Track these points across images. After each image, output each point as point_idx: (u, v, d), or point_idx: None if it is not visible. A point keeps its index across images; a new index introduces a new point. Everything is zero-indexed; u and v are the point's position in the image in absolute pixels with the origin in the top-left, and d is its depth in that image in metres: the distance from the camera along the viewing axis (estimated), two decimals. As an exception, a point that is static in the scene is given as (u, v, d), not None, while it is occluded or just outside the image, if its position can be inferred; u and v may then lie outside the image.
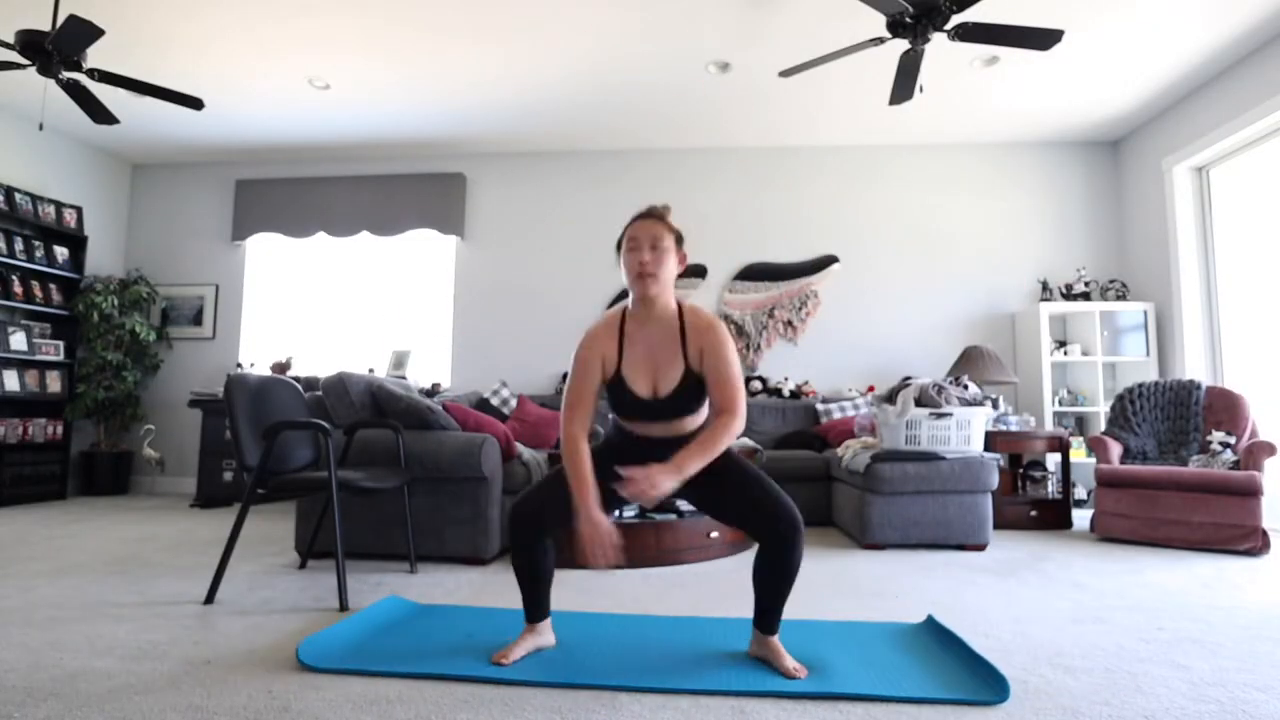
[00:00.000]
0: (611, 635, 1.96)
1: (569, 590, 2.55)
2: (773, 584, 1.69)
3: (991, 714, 1.47)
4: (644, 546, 2.95)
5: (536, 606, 1.79)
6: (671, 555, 2.99)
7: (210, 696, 1.54)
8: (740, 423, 1.69)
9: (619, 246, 1.78)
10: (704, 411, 1.83)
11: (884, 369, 5.36)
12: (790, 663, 1.67)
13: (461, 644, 1.86)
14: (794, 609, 2.30)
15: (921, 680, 1.64)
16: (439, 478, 2.96)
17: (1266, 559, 3.16)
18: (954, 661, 1.77)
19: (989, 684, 1.60)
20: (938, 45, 4.06)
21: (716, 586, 2.61)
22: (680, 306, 1.79)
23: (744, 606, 2.33)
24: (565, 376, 5.35)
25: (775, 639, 1.73)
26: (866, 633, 2.02)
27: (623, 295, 5.46)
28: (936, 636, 1.97)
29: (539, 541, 1.73)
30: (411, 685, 1.61)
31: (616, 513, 3.06)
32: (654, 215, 1.76)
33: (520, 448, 3.44)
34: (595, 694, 1.57)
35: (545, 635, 1.82)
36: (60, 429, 5.16)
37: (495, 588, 2.58)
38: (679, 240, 1.77)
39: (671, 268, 1.75)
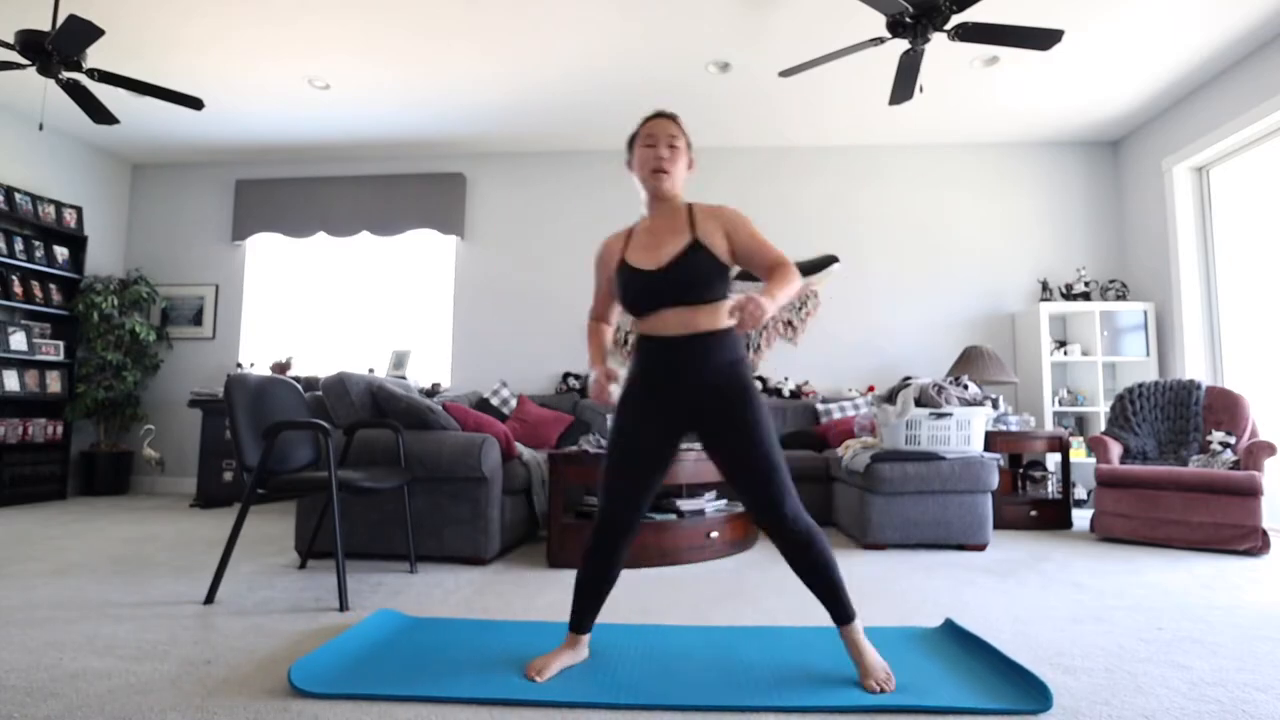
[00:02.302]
0: (634, 648, 1.87)
1: (566, 592, 2.55)
2: (810, 580, 1.66)
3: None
4: (643, 547, 2.95)
5: (588, 616, 1.76)
6: (671, 555, 2.98)
7: (210, 696, 1.54)
8: (795, 270, 1.71)
9: (630, 145, 1.80)
10: (720, 306, 1.75)
11: (884, 369, 5.36)
12: (868, 664, 1.61)
13: (468, 660, 1.77)
14: (796, 610, 2.30)
15: (952, 689, 1.56)
16: (439, 478, 2.96)
17: (1266, 559, 3.16)
18: (982, 668, 1.70)
19: (1027, 691, 1.53)
20: (938, 45, 4.06)
21: (716, 588, 2.61)
22: (689, 204, 1.80)
23: (744, 609, 2.33)
24: (565, 376, 5.35)
25: (851, 629, 1.65)
26: (883, 638, 1.94)
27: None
28: (958, 641, 1.90)
29: (621, 548, 1.73)
30: (419, 708, 1.61)
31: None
32: (668, 115, 1.79)
33: (520, 448, 3.44)
34: (625, 714, 1.50)
35: (583, 649, 1.78)
36: (60, 429, 5.16)
37: (496, 588, 2.58)
38: (688, 144, 1.81)
39: (683, 167, 1.78)
